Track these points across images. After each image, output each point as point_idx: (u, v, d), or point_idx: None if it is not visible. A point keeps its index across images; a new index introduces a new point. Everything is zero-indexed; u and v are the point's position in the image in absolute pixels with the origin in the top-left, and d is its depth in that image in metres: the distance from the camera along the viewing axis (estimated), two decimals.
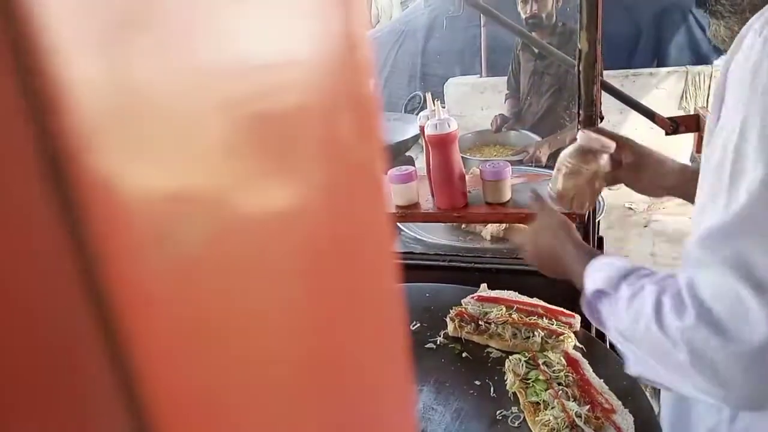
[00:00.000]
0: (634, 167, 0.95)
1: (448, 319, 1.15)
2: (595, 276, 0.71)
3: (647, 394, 0.95)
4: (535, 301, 1.16)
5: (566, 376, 0.95)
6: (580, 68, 1.14)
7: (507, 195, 1.17)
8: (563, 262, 0.81)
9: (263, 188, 0.20)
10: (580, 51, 1.13)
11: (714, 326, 0.53)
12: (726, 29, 0.69)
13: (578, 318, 1.11)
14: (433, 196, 1.19)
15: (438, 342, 1.13)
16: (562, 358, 1.00)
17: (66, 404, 0.14)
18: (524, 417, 0.91)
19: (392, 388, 0.31)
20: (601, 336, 1.11)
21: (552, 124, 2.59)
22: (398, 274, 0.29)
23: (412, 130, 2.42)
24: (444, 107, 1.11)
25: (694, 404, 0.72)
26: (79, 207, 0.12)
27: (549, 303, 1.15)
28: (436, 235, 1.68)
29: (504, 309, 1.13)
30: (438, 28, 4.27)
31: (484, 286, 1.24)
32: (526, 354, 1.01)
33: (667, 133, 1.45)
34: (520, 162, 2.44)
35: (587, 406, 0.88)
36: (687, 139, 1.62)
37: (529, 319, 1.10)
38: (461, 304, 1.18)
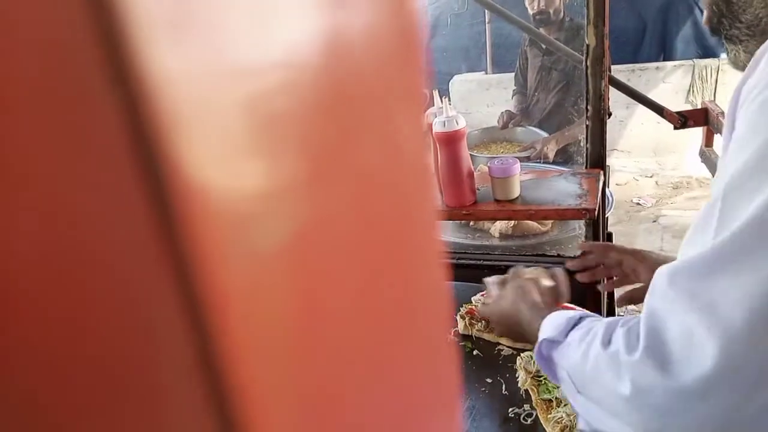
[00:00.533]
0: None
1: (458, 317, 1.14)
2: (545, 329, 0.71)
3: None
4: None
5: None
6: (588, 63, 1.13)
7: (516, 192, 1.16)
8: (521, 326, 0.81)
9: (333, 183, 0.19)
10: (587, 46, 1.12)
11: (660, 360, 0.50)
12: (746, 54, 0.64)
13: None
14: (441, 193, 1.19)
15: (451, 339, 1.13)
16: None
17: (155, 404, 0.14)
18: (537, 414, 0.91)
19: (441, 392, 0.31)
20: None
21: (559, 120, 2.58)
22: (447, 273, 0.29)
23: None
24: (450, 104, 1.11)
25: None
26: (173, 204, 0.12)
27: None
28: (443, 233, 1.68)
29: None
30: (442, 25, 4.26)
31: None
32: None
33: (675, 128, 1.44)
34: (528, 158, 2.43)
35: None
36: (696, 134, 1.61)
37: None
38: (471, 302, 1.17)
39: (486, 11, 3.56)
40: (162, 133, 0.12)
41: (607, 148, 1.27)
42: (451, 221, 1.69)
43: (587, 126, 1.22)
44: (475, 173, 1.19)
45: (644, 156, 3.82)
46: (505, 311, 0.88)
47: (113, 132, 0.11)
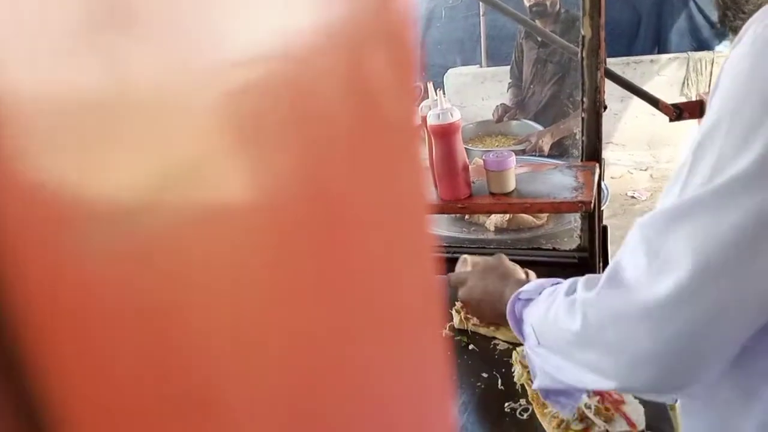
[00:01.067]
0: None
1: (453, 311, 1.14)
2: (523, 293, 0.74)
3: None
4: None
5: None
6: (584, 55, 1.12)
7: (511, 185, 1.15)
8: (502, 296, 0.82)
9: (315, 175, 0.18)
10: (583, 38, 1.11)
11: (616, 287, 0.55)
12: None
13: None
14: (435, 187, 1.18)
15: (443, 334, 1.12)
16: None
17: None
18: (533, 409, 0.91)
19: (435, 388, 0.30)
20: None
21: (555, 113, 2.58)
22: (442, 267, 0.28)
23: None
24: (445, 97, 1.10)
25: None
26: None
27: None
28: (438, 227, 1.67)
29: None
30: (437, 18, 4.24)
31: None
32: None
33: (670, 120, 1.43)
34: (523, 152, 2.43)
35: (597, 397, 0.87)
36: (691, 126, 1.60)
37: None
38: None
39: (480, 3, 3.54)
40: None
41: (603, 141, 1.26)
42: (445, 215, 1.68)
43: (583, 118, 1.21)
44: (470, 167, 1.18)
45: (639, 149, 3.82)
46: (480, 291, 0.89)
47: None
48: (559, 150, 2.45)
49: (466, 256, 1.02)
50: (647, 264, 0.53)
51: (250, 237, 0.18)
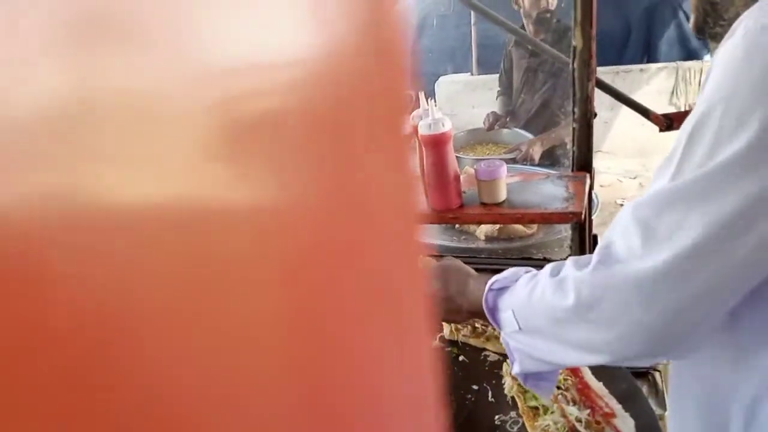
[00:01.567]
0: None
1: (443, 322, 1.13)
2: (495, 283, 0.73)
3: (648, 397, 0.94)
4: None
5: (565, 380, 0.94)
6: (575, 66, 1.12)
7: (502, 195, 1.15)
8: (467, 289, 0.79)
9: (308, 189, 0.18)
10: (574, 48, 1.11)
11: (609, 264, 0.57)
12: None
13: None
14: (426, 196, 1.17)
15: (434, 345, 1.11)
16: None
17: None
18: (523, 422, 0.90)
19: (424, 400, 0.29)
20: None
21: (545, 122, 2.58)
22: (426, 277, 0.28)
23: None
24: (436, 106, 1.10)
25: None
26: None
27: None
28: (429, 235, 1.66)
29: None
30: (428, 26, 4.25)
31: None
32: None
33: (660, 130, 1.44)
34: (513, 160, 2.42)
35: (587, 411, 0.87)
36: None
37: None
38: None
39: (472, 12, 3.55)
40: None
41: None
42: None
43: (574, 129, 1.20)
44: (461, 176, 1.18)
45: (628, 157, 3.83)
46: (448, 286, 0.84)
47: None
48: (549, 159, 2.45)
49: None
50: (642, 242, 0.55)
51: (231, 246, 0.17)
